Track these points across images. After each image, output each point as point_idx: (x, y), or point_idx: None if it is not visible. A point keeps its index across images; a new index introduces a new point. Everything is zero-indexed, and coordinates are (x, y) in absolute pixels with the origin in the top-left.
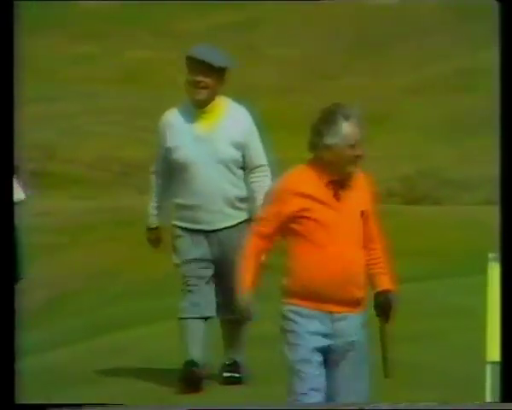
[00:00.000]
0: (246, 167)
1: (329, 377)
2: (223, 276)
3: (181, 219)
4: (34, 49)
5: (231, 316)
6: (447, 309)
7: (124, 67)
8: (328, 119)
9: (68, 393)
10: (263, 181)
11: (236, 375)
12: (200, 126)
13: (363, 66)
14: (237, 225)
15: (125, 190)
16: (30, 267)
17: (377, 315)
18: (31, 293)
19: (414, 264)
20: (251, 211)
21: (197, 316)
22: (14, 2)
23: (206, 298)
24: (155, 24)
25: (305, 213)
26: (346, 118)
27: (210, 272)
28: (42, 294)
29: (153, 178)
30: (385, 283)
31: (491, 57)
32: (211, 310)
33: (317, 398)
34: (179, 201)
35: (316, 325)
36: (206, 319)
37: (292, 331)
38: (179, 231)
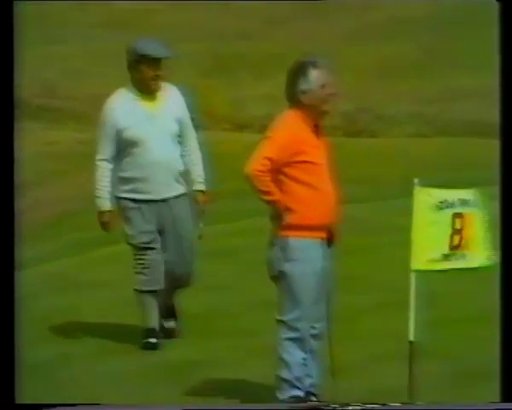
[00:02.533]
0: (181, 142)
1: None
2: (166, 247)
3: (130, 192)
4: None
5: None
6: (380, 227)
7: (116, 14)
8: (300, 69)
9: (66, 294)
10: (194, 154)
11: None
12: (148, 106)
13: (310, 13)
14: (180, 196)
15: None
16: (37, 189)
17: None
18: (37, 211)
19: (353, 189)
20: (186, 185)
21: (150, 289)
22: None
23: (156, 271)
24: None
25: (303, 157)
26: (314, 65)
27: (159, 243)
28: (47, 212)
29: (102, 164)
30: None
31: (421, 7)
32: (160, 282)
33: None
34: (128, 174)
35: (319, 251)
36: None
37: (302, 260)
38: (130, 203)
